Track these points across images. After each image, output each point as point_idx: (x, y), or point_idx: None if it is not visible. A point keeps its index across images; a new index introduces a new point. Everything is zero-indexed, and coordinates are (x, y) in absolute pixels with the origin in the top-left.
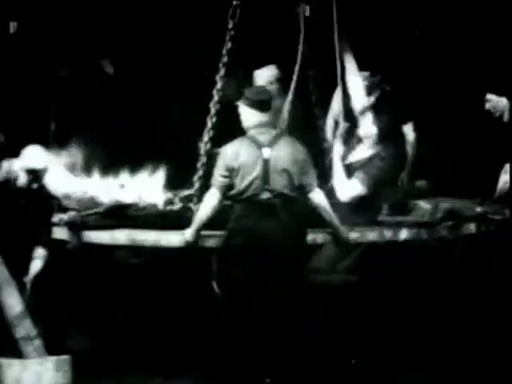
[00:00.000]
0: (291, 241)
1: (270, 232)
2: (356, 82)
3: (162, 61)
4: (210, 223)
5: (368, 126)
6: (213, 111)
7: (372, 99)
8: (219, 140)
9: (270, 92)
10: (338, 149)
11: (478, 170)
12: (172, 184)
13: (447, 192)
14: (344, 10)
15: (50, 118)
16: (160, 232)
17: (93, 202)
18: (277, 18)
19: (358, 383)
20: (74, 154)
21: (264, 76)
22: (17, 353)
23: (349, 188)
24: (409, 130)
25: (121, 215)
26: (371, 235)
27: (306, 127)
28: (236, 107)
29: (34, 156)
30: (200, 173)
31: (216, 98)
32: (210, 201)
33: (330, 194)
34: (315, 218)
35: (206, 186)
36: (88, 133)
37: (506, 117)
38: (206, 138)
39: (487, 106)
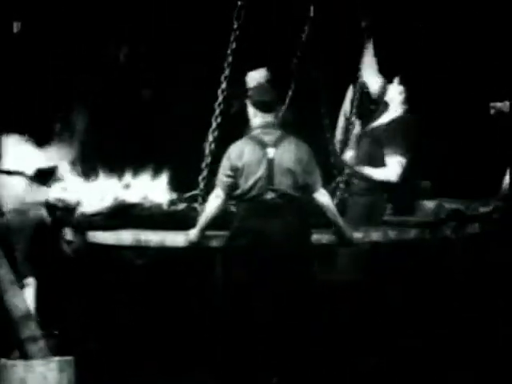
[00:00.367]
0: (295, 241)
1: (275, 232)
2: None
3: (165, 61)
4: (215, 223)
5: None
6: (217, 111)
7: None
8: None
9: (274, 92)
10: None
11: (481, 170)
12: (176, 184)
13: (451, 193)
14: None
15: (52, 118)
16: (165, 232)
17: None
18: (281, 19)
19: (360, 383)
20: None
21: (255, 78)
22: (21, 354)
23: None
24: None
25: (125, 215)
26: (375, 235)
27: (311, 127)
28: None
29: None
30: (204, 173)
31: (220, 98)
32: (215, 201)
33: (334, 193)
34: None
35: (210, 186)
36: (91, 133)
37: (507, 117)
38: (210, 138)
39: (492, 112)
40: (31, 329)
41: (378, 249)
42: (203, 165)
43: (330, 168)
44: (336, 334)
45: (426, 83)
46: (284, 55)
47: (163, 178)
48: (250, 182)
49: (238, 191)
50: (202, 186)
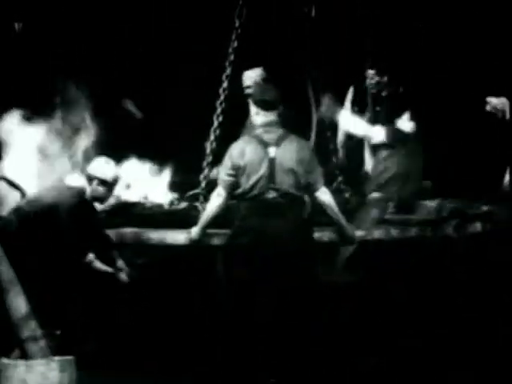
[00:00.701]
0: (297, 239)
1: (276, 231)
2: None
3: (165, 60)
4: (216, 221)
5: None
6: (219, 110)
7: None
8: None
9: (276, 91)
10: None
11: (482, 169)
12: (178, 183)
13: (452, 192)
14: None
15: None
16: (166, 230)
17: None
18: (282, 18)
19: (360, 383)
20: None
21: (251, 77)
22: (22, 353)
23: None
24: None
25: (127, 214)
26: (377, 233)
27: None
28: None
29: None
30: (206, 171)
31: (222, 96)
32: (217, 199)
33: (336, 192)
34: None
35: (212, 185)
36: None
37: (507, 116)
38: (212, 136)
39: (488, 108)
40: (32, 329)
41: (380, 247)
42: (204, 164)
43: (331, 168)
44: (336, 334)
45: (426, 83)
46: (284, 54)
47: (164, 177)
48: (252, 180)
49: (240, 190)
50: (203, 184)
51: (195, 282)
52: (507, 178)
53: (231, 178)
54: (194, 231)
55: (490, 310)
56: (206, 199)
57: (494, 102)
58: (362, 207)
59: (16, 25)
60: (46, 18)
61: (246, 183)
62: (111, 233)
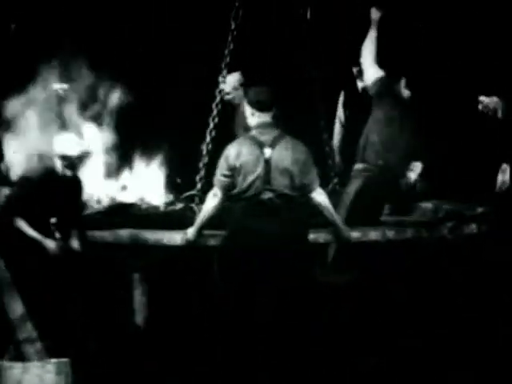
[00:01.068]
0: (292, 241)
1: (271, 232)
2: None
3: (163, 61)
4: (212, 222)
5: None
6: (215, 111)
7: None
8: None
9: (272, 93)
10: None
11: (478, 171)
12: (173, 185)
13: (448, 194)
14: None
15: None
16: (162, 231)
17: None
18: (279, 19)
19: (360, 383)
20: None
21: (229, 82)
22: (18, 355)
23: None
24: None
25: (123, 214)
26: (373, 234)
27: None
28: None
29: (68, 143)
30: (202, 173)
31: (218, 98)
32: (212, 200)
33: (332, 194)
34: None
35: (207, 186)
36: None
37: (499, 115)
38: (207, 138)
39: (480, 107)
40: (28, 330)
41: (376, 248)
42: (200, 165)
43: (326, 169)
44: (335, 334)
45: (425, 84)
46: (282, 56)
47: (160, 179)
48: (247, 181)
49: (236, 191)
50: (199, 186)
51: (191, 283)
52: (500, 178)
53: (227, 179)
54: (190, 232)
55: (486, 311)
56: (202, 200)
57: (486, 101)
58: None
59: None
60: (46, 19)
61: (241, 184)
62: (107, 234)
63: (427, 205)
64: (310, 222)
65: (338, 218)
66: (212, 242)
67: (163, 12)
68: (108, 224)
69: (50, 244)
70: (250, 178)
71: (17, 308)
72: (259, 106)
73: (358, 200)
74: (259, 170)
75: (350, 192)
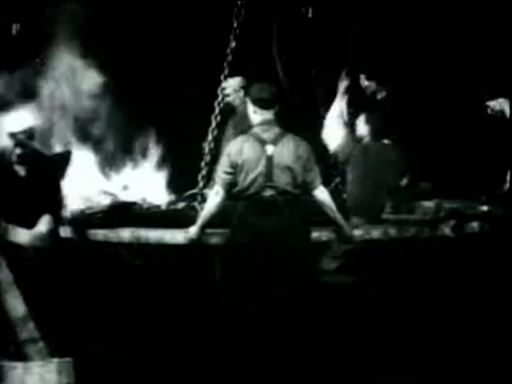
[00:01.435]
0: (294, 238)
1: (273, 229)
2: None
3: (164, 60)
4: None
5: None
6: (217, 110)
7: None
8: None
9: (274, 90)
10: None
11: (479, 170)
12: (175, 184)
13: (450, 194)
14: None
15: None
16: (164, 230)
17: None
18: (280, 17)
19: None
20: None
21: (231, 84)
22: (20, 355)
23: None
24: None
25: (125, 213)
26: (375, 233)
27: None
28: None
29: (12, 121)
30: (204, 172)
31: (220, 97)
32: (214, 198)
33: (334, 193)
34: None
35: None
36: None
37: (507, 115)
38: (210, 136)
39: (488, 111)
40: (30, 330)
41: (378, 246)
42: (202, 164)
43: (327, 168)
44: (334, 334)
45: (423, 84)
46: (282, 54)
47: (162, 178)
48: (249, 179)
49: (237, 188)
50: (201, 184)
51: (194, 281)
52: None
53: (229, 176)
54: (193, 230)
55: (489, 310)
56: (204, 199)
57: (492, 104)
58: None
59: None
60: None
61: (243, 181)
62: (109, 232)
63: (429, 204)
64: (311, 220)
65: (339, 216)
66: (214, 240)
67: (162, 12)
68: (110, 223)
69: (22, 235)
70: (252, 176)
71: (18, 308)
72: (261, 104)
73: None
74: (261, 167)
75: None
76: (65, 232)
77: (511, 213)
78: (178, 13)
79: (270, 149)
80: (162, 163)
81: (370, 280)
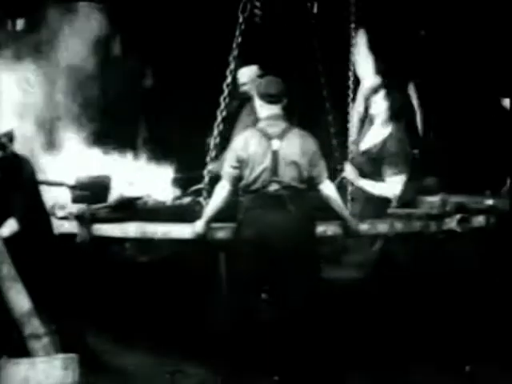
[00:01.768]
0: (300, 233)
1: (279, 224)
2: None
3: (170, 55)
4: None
5: (379, 103)
6: (222, 105)
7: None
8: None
9: (282, 85)
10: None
11: (485, 164)
12: (180, 179)
13: (456, 188)
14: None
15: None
16: (170, 224)
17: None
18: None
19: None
20: None
21: (246, 74)
22: (24, 351)
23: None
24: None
25: (131, 208)
26: (381, 227)
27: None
28: None
29: None
30: (209, 167)
31: (226, 92)
32: (221, 192)
33: (339, 189)
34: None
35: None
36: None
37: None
38: (215, 131)
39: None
40: (34, 326)
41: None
42: (208, 159)
43: (333, 163)
44: (339, 331)
45: (430, 81)
46: (288, 49)
47: (167, 174)
48: (255, 173)
49: (243, 182)
50: (206, 179)
51: (200, 276)
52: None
53: (235, 171)
54: (199, 225)
55: (495, 303)
56: (210, 194)
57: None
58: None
59: None
60: None
61: (249, 176)
62: (115, 227)
63: (435, 198)
64: (317, 215)
65: (346, 211)
66: (220, 234)
67: (168, 5)
68: (115, 218)
69: None
70: (258, 170)
71: (23, 303)
72: (268, 99)
73: None
74: (267, 162)
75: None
76: (70, 227)
77: None
78: (185, 5)
79: (275, 144)
80: (166, 158)
81: (376, 275)
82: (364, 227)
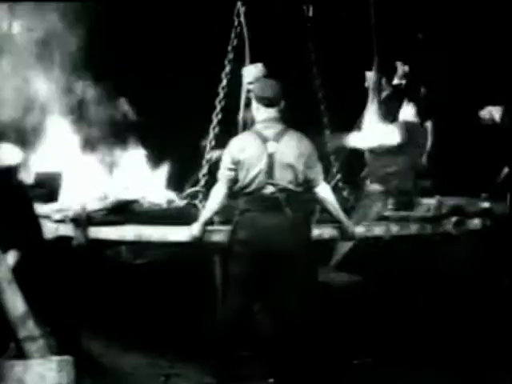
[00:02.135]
0: (295, 235)
1: (274, 226)
2: None
3: (164, 58)
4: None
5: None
6: (218, 108)
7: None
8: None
9: (278, 88)
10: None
11: (481, 168)
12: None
13: (451, 191)
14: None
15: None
16: (166, 227)
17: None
18: (281, 15)
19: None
20: None
21: (250, 73)
22: (20, 353)
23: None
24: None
25: (127, 211)
26: (377, 229)
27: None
28: None
29: (5, 154)
30: (205, 169)
31: (221, 95)
32: (217, 195)
33: (335, 191)
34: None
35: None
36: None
37: (496, 119)
38: (211, 134)
39: (483, 122)
40: (30, 328)
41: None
42: (203, 162)
43: (328, 166)
44: (335, 332)
45: (428, 85)
46: (284, 51)
47: (162, 177)
48: (251, 175)
49: (239, 185)
50: (202, 182)
51: (196, 278)
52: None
53: (231, 173)
54: (195, 227)
55: (491, 305)
56: (205, 197)
57: (482, 113)
58: (363, 198)
59: None
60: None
61: (245, 178)
62: (111, 230)
63: (431, 201)
64: (313, 217)
65: (342, 213)
66: (216, 237)
67: (163, 9)
68: (111, 221)
69: None
70: (253, 173)
71: (18, 306)
72: (265, 102)
73: None
74: (262, 164)
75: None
76: (66, 231)
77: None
78: (180, 9)
79: (271, 146)
80: (161, 161)
81: (372, 277)
82: (360, 230)
